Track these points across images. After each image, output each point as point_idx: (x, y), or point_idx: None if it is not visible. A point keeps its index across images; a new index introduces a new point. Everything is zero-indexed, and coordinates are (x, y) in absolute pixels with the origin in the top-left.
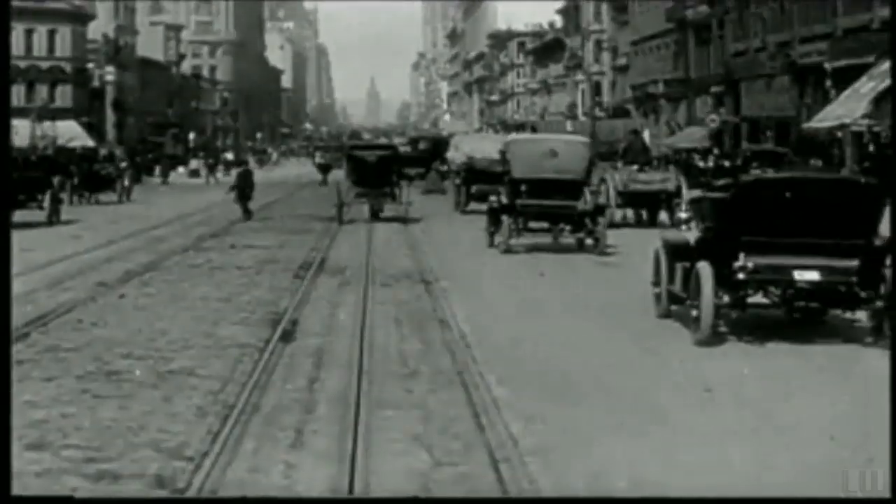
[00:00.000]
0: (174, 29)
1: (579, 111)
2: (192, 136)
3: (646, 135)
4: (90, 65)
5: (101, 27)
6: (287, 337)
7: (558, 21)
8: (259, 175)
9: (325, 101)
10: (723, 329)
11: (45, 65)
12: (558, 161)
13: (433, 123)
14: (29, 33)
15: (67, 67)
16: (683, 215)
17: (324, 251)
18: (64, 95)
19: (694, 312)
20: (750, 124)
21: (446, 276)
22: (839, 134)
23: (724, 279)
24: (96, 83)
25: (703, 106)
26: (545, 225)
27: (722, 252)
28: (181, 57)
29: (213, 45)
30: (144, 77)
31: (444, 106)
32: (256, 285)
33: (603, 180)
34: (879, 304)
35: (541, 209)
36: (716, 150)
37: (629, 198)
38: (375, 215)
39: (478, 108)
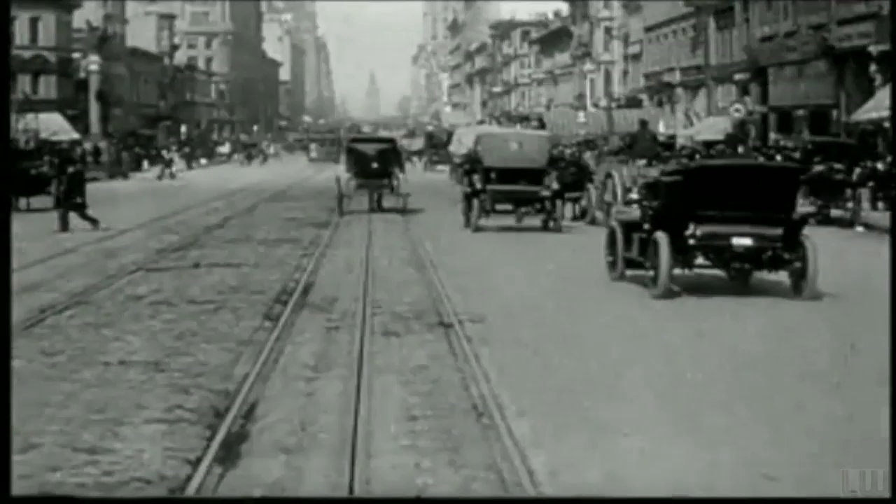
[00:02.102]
0: (167, 18)
1: (588, 101)
2: (183, 128)
3: (660, 126)
4: (76, 55)
5: (88, 15)
6: (227, 461)
7: (564, 9)
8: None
9: (324, 94)
10: (675, 288)
11: (27, 54)
12: (523, 152)
13: (434, 116)
14: (10, 20)
15: (51, 57)
16: (634, 196)
17: (311, 269)
18: (48, 86)
19: (651, 273)
20: (779, 114)
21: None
22: (886, 125)
23: (676, 245)
24: (83, 74)
25: (725, 95)
26: (510, 207)
27: (675, 223)
28: (174, 47)
29: (209, 36)
30: (135, 68)
31: (445, 98)
32: (208, 335)
33: (609, 175)
34: (798, 265)
35: (508, 193)
36: (756, 143)
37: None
38: (375, 207)
39: (480, 99)
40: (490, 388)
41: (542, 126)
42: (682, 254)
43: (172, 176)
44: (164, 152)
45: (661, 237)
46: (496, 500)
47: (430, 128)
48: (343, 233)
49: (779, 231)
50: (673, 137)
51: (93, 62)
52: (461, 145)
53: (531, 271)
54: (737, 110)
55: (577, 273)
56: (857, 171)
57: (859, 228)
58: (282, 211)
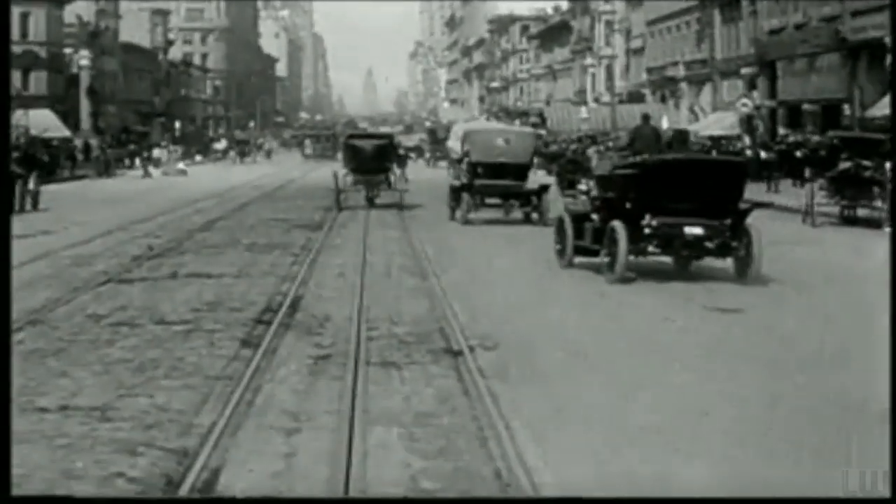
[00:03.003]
0: (161, 14)
1: (588, 96)
2: (177, 124)
3: (664, 121)
4: (67, 50)
5: (80, 10)
6: None
7: (564, 3)
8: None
9: (321, 90)
10: (630, 274)
11: (18, 49)
12: (509, 148)
13: (431, 112)
14: (9, 19)
15: (42, 52)
16: (583, 187)
17: (300, 279)
18: (38, 82)
19: (608, 259)
20: (788, 109)
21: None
22: None
23: (632, 234)
24: (74, 70)
25: (732, 89)
26: (498, 201)
27: (632, 214)
28: (169, 43)
29: (205, 32)
30: (128, 63)
31: (443, 94)
32: (172, 368)
33: None
34: (743, 252)
35: (494, 188)
36: (764, 138)
37: None
38: (372, 202)
39: (478, 95)
40: (515, 447)
41: (542, 121)
42: (637, 242)
43: (148, 174)
44: (154, 150)
45: (619, 226)
46: (496, 500)
47: (428, 123)
48: (337, 235)
49: (727, 221)
50: (685, 133)
51: (83, 57)
52: (458, 141)
53: (535, 286)
54: (744, 105)
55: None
56: (888, 167)
57: (887, 229)
58: (272, 212)
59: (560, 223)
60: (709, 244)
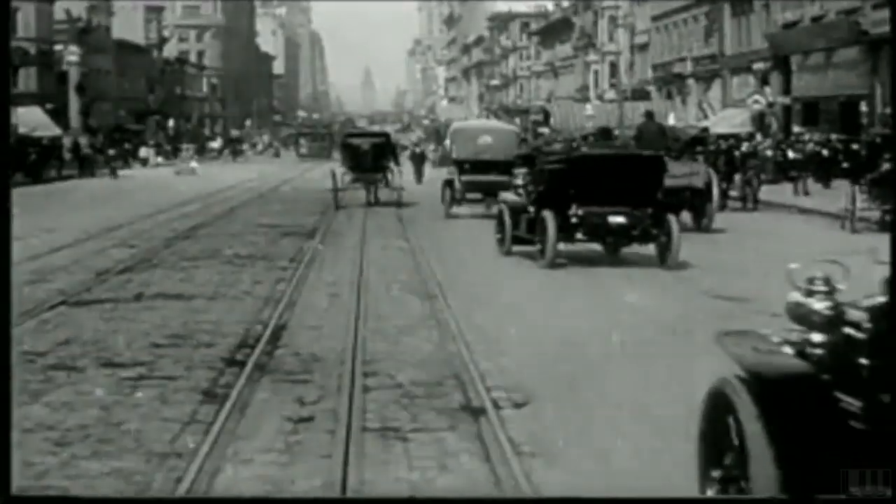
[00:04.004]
0: (155, 10)
1: (591, 94)
2: (170, 122)
3: (670, 118)
4: (57, 47)
5: (72, 7)
6: None
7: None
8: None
9: (319, 88)
10: (561, 260)
11: None
12: (492, 145)
13: (430, 110)
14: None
15: (31, 49)
16: (520, 181)
17: (286, 302)
18: (28, 79)
19: (539, 247)
20: (804, 105)
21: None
22: None
23: (561, 223)
24: (65, 66)
25: (742, 86)
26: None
27: (560, 204)
28: (163, 40)
29: (201, 30)
30: (121, 61)
31: (442, 92)
32: (104, 442)
33: None
34: (663, 239)
35: (479, 184)
36: (807, 136)
37: None
38: (371, 201)
39: (477, 93)
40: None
41: (545, 119)
42: (565, 230)
43: (116, 176)
44: (141, 149)
45: (548, 216)
46: (496, 500)
47: (426, 122)
48: (330, 245)
49: (647, 211)
50: (706, 130)
51: (72, 53)
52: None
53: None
54: (756, 102)
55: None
56: None
57: None
58: (261, 217)
59: (500, 214)
60: (633, 232)
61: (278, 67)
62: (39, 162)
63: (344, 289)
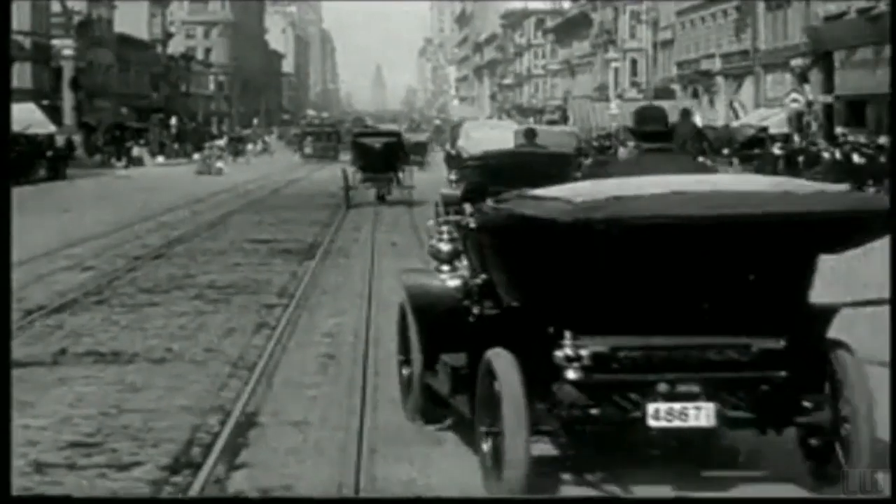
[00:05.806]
0: (159, 4)
1: (611, 92)
2: (173, 120)
3: (696, 118)
4: (54, 41)
5: None
6: None
7: None
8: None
9: (328, 86)
10: None
11: None
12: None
13: (441, 109)
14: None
15: (26, 43)
16: (453, 177)
17: (258, 374)
18: (22, 75)
19: None
20: (848, 105)
21: None
22: None
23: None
24: (60, 62)
25: (777, 83)
26: None
27: (477, 197)
28: (168, 35)
29: (208, 26)
30: (123, 56)
31: (452, 91)
32: None
33: None
34: None
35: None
36: (850, 137)
37: None
38: (382, 199)
39: (489, 92)
40: None
41: (563, 119)
42: None
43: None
44: (134, 148)
45: (467, 208)
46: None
47: (437, 121)
48: (332, 268)
49: None
50: (765, 130)
51: (66, 47)
52: (469, 139)
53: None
54: (794, 101)
55: None
56: None
57: None
58: (254, 230)
59: (436, 205)
60: None
61: (288, 66)
62: (24, 161)
63: (344, 349)
